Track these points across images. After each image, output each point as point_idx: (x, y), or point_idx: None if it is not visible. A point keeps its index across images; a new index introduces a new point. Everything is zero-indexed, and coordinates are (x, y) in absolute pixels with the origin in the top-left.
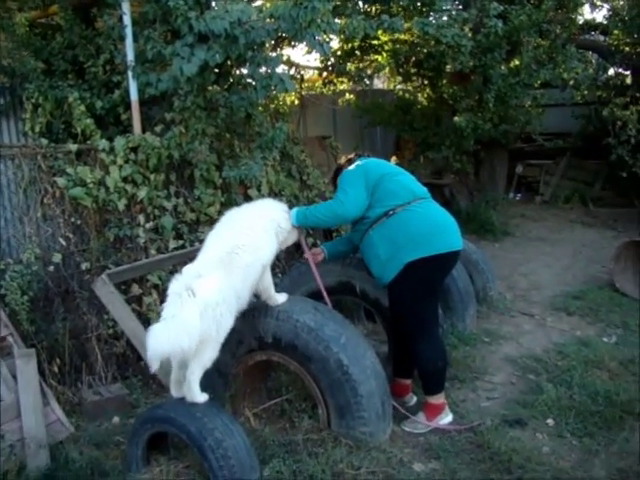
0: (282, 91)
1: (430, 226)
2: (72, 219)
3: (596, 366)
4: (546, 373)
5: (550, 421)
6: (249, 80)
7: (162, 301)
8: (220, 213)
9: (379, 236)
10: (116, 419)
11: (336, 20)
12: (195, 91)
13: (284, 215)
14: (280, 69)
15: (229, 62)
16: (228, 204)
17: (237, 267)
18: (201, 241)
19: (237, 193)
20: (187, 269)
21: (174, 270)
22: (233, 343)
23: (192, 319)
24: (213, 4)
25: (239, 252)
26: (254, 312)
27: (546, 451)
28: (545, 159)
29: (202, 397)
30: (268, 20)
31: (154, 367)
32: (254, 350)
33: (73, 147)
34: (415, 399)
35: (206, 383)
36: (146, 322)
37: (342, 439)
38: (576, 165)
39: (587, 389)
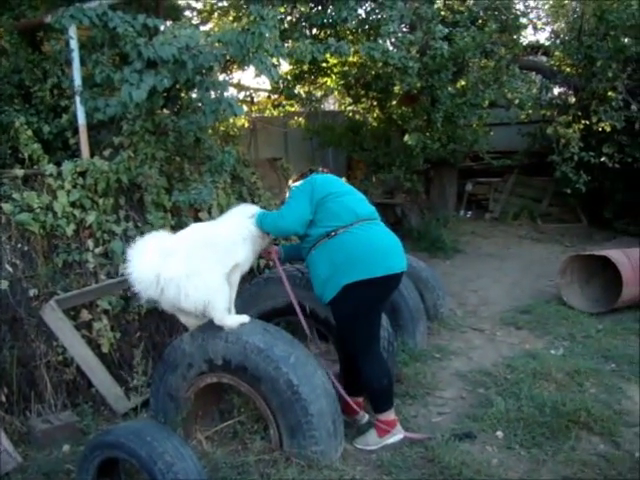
0: (231, 115)
1: (369, 249)
2: (19, 245)
3: (544, 378)
4: (495, 387)
5: (499, 433)
6: (198, 104)
7: (112, 327)
8: None
9: (320, 256)
10: (66, 447)
11: (285, 44)
12: (144, 115)
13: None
14: (230, 93)
15: (178, 86)
16: (179, 227)
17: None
18: None
19: (187, 216)
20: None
21: (124, 295)
22: (183, 366)
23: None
24: (162, 28)
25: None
26: (203, 334)
27: (495, 463)
28: (494, 177)
29: (243, 317)
30: (216, 45)
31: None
32: (204, 373)
33: (20, 172)
34: (367, 417)
35: (157, 407)
36: (96, 348)
37: (294, 459)
38: (524, 182)
39: (535, 401)
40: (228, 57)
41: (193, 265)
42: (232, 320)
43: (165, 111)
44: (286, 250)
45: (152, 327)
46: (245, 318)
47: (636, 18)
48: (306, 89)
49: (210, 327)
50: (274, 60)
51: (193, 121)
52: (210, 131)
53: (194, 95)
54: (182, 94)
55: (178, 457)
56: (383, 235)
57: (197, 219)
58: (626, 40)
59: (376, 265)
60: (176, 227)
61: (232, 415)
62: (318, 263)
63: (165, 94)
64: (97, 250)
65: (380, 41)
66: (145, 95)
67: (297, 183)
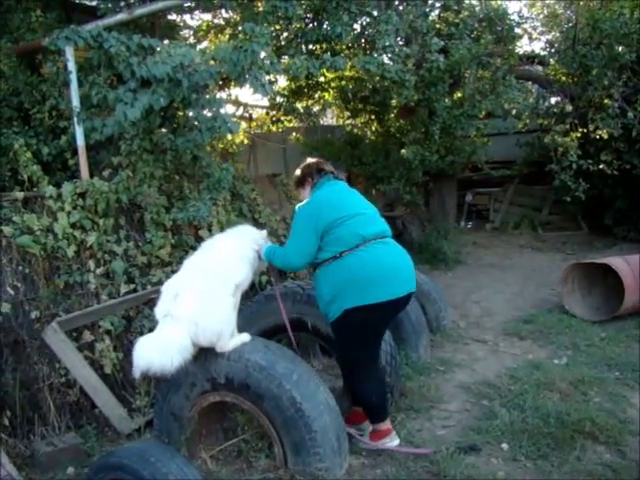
0: (226, 132)
1: (372, 273)
2: (20, 267)
3: (548, 388)
4: (499, 398)
5: (504, 445)
6: (195, 122)
7: (115, 347)
8: (171, 255)
9: (324, 277)
10: (71, 469)
11: (281, 60)
12: (141, 134)
13: (257, 243)
14: (227, 110)
15: (175, 105)
16: (179, 246)
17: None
18: (153, 284)
19: (188, 234)
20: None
21: (126, 315)
22: (186, 386)
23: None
24: (158, 48)
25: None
26: (206, 353)
27: (501, 475)
28: (494, 187)
29: (245, 336)
30: (212, 62)
31: (137, 374)
32: (207, 392)
33: (19, 195)
34: (397, 442)
35: (161, 427)
36: (99, 369)
37: (298, 476)
38: (523, 192)
39: (539, 411)
40: (223, 75)
41: (204, 300)
42: (233, 343)
43: (163, 130)
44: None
45: None
46: (246, 337)
47: (629, 26)
48: (304, 104)
49: None
50: (271, 76)
51: (190, 139)
52: (208, 148)
53: (190, 113)
54: (179, 112)
55: (182, 477)
56: (390, 256)
57: (197, 237)
58: (620, 48)
59: (379, 290)
60: (177, 245)
61: (236, 433)
62: (322, 284)
63: (162, 113)
64: (98, 271)
65: (376, 55)
66: (139, 114)
67: (302, 200)
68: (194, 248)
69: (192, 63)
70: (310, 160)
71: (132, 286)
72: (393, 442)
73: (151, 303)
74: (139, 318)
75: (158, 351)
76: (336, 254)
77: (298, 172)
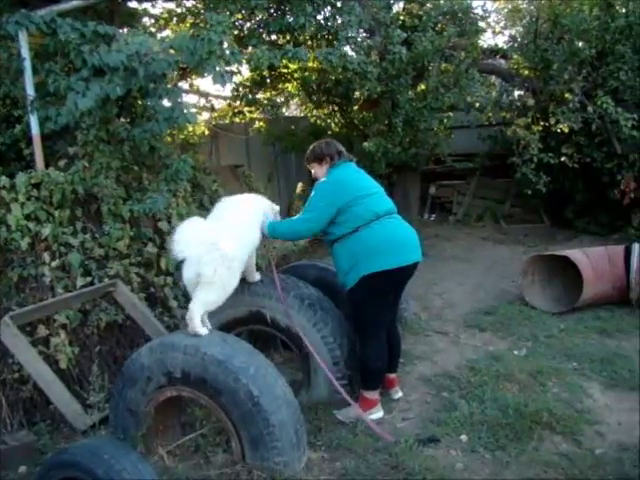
0: (184, 123)
1: (386, 243)
2: None
3: (507, 379)
4: (459, 390)
5: (464, 437)
6: (152, 112)
7: (70, 341)
8: (130, 247)
9: (342, 250)
10: (23, 468)
11: (244, 50)
12: (98, 124)
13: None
14: (189, 100)
15: (132, 94)
16: (137, 238)
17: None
18: (110, 277)
19: (146, 226)
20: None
21: (83, 308)
22: (142, 380)
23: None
24: (117, 36)
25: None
26: (161, 347)
27: (459, 467)
28: (457, 180)
29: (203, 330)
30: (171, 52)
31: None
32: (164, 386)
33: None
34: (400, 393)
35: (117, 423)
36: (54, 364)
37: (256, 471)
38: (486, 184)
39: (498, 403)
40: (181, 64)
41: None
42: (197, 322)
43: (121, 120)
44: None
45: (113, 340)
46: (204, 331)
47: (588, 23)
48: (267, 95)
49: (168, 339)
50: (234, 67)
51: (147, 129)
52: (169, 139)
53: (149, 103)
54: (137, 102)
55: (136, 474)
56: (400, 229)
57: (156, 229)
58: (580, 44)
59: (392, 258)
60: (135, 238)
61: (194, 428)
62: (341, 256)
63: (120, 102)
64: (53, 263)
65: (338, 46)
66: (92, 103)
67: (323, 179)
68: (153, 240)
69: (149, 52)
70: (331, 140)
71: (89, 279)
72: (378, 413)
73: (108, 296)
74: (96, 311)
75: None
76: (353, 229)
77: (320, 149)
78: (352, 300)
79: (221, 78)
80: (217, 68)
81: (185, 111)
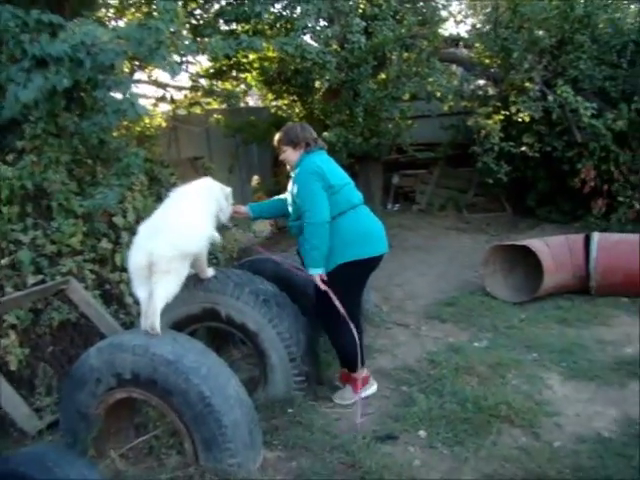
0: (133, 115)
1: (361, 233)
2: None
3: (467, 372)
4: (418, 384)
5: (422, 432)
6: (101, 104)
7: (21, 342)
8: (83, 244)
9: None
10: None
11: (199, 40)
12: (45, 117)
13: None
14: (145, 91)
15: (82, 86)
16: (91, 234)
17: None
18: (63, 274)
19: (100, 221)
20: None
21: (34, 308)
22: (92, 382)
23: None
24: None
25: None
26: (110, 348)
27: (417, 464)
28: (420, 169)
29: (159, 329)
30: (122, 42)
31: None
32: (113, 388)
33: None
34: (375, 386)
35: (67, 426)
36: (4, 365)
37: (209, 474)
38: (449, 174)
39: (457, 396)
40: (130, 54)
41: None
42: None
43: (71, 112)
44: (255, 209)
45: (67, 340)
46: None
47: (548, 11)
48: (226, 86)
49: (117, 340)
50: (190, 57)
51: (96, 122)
52: (125, 132)
53: (98, 95)
54: (86, 94)
55: None
56: (371, 219)
57: (111, 224)
58: (540, 33)
59: (368, 247)
60: (89, 233)
61: (148, 430)
62: None
63: (68, 94)
64: (3, 261)
65: (295, 35)
66: (34, 95)
67: (300, 170)
68: (107, 236)
69: (97, 42)
70: (305, 125)
71: (40, 277)
72: (372, 387)
73: (61, 294)
74: (48, 310)
75: None
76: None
77: (295, 133)
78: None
79: (171, 68)
80: (166, 58)
81: (134, 103)
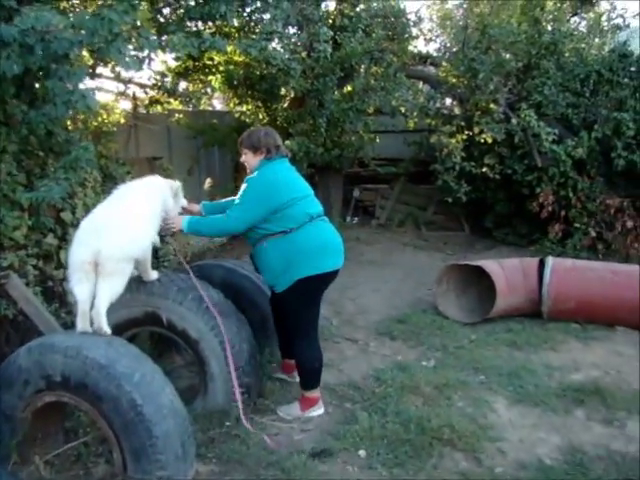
0: (83, 108)
1: (319, 247)
2: None
3: (412, 392)
4: (362, 401)
5: (362, 452)
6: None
7: None
8: (27, 238)
9: (274, 250)
10: None
11: (164, 37)
12: None
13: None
14: (105, 85)
15: (34, 74)
16: (36, 228)
17: None
18: (3, 268)
19: (47, 216)
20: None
21: None
22: (19, 383)
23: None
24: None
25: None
26: (41, 348)
27: None
28: (382, 184)
29: (108, 329)
30: (79, 31)
31: None
32: (42, 390)
33: None
34: (322, 410)
35: None
36: None
37: None
38: (410, 190)
39: (401, 416)
40: (84, 45)
41: None
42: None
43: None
44: (208, 209)
45: (2, 337)
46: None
47: (516, 35)
48: (190, 87)
49: (49, 340)
50: (153, 54)
51: (45, 112)
52: (81, 126)
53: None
54: (39, 83)
55: None
56: (330, 232)
57: (58, 219)
58: (507, 56)
59: (326, 261)
60: (34, 227)
61: (78, 436)
62: (271, 256)
63: (19, 82)
64: None
65: (260, 39)
66: None
67: (255, 175)
68: (54, 231)
69: (51, 29)
70: (270, 130)
71: None
72: (319, 410)
73: (0, 289)
74: None
75: None
76: (286, 229)
77: (257, 138)
78: (287, 304)
79: (126, 63)
80: (122, 51)
81: (85, 95)
